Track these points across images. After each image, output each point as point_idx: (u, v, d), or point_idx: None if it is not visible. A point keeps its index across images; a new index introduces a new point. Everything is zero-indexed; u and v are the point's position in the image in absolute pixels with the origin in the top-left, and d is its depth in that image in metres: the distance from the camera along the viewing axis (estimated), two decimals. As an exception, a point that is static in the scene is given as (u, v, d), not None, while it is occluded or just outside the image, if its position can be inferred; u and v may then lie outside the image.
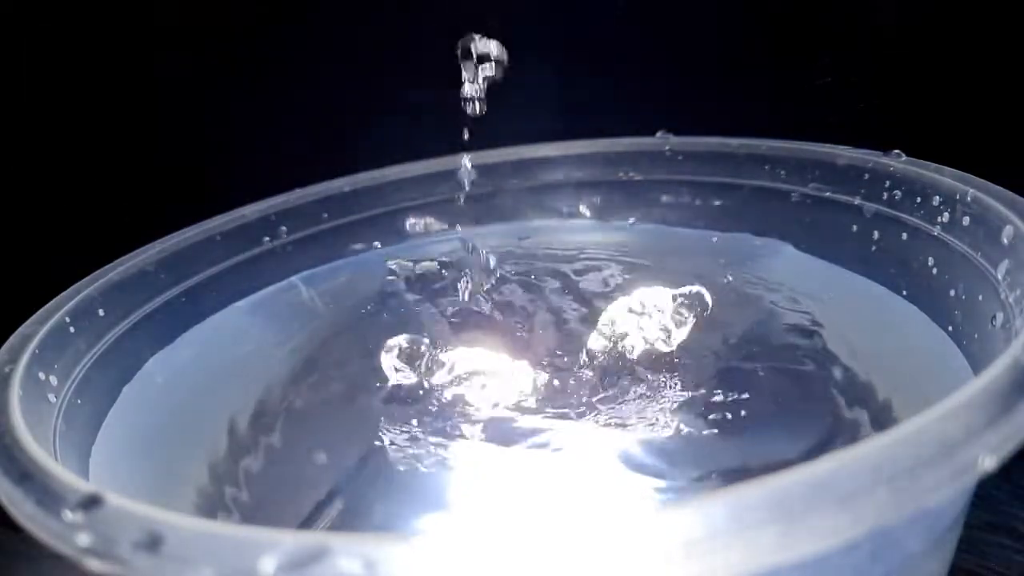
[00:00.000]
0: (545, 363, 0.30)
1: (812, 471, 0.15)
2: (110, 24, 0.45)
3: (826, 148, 0.33)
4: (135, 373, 0.29)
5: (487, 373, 0.29)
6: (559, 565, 0.14)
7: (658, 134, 0.37)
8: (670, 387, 0.29)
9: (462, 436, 0.27)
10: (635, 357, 0.29)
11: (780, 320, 0.31)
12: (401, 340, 0.29)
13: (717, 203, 0.36)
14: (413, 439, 0.27)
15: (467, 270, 0.35)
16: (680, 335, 0.29)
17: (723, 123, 0.36)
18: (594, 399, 0.28)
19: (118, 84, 0.46)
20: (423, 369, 0.29)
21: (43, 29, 0.45)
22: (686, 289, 0.30)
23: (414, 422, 0.28)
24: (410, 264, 0.36)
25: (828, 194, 0.32)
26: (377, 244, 0.38)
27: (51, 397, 0.25)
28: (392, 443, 0.27)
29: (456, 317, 0.34)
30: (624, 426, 0.27)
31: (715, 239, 0.36)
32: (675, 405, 0.28)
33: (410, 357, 0.29)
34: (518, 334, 0.32)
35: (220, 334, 0.32)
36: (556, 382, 0.29)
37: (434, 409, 0.28)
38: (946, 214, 0.27)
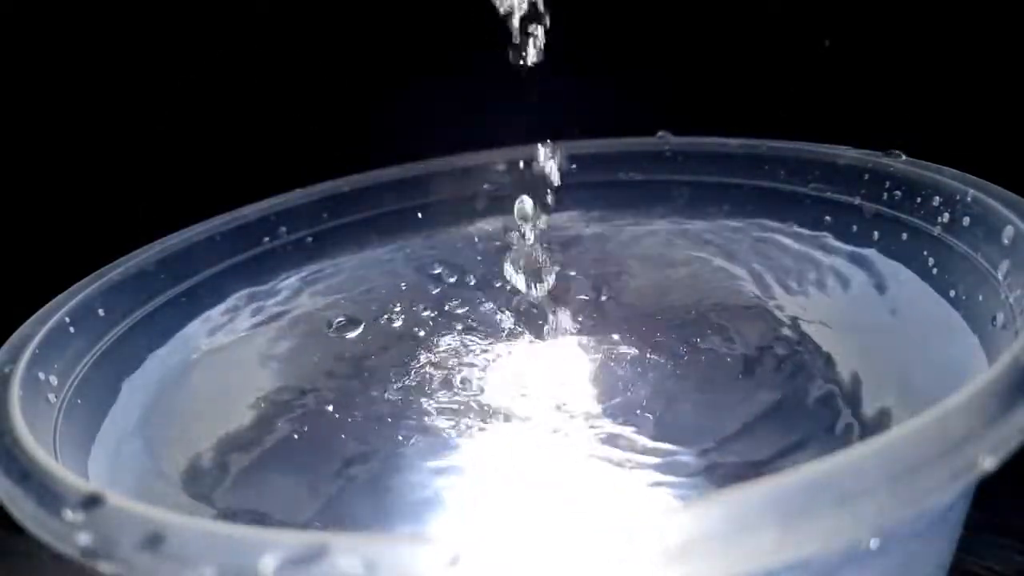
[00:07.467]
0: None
1: (812, 471, 0.15)
2: (109, 23, 0.45)
3: (826, 148, 0.33)
4: (135, 373, 0.29)
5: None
6: (558, 566, 0.14)
7: (658, 134, 0.37)
8: (667, 382, 0.29)
9: (464, 433, 0.27)
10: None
11: (779, 318, 0.31)
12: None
13: (717, 203, 0.36)
14: (416, 435, 0.27)
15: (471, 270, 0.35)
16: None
17: (723, 123, 0.36)
18: (603, 393, 0.28)
19: (118, 83, 0.46)
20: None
21: (42, 28, 0.45)
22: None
23: (417, 418, 0.28)
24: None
25: (828, 194, 0.32)
26: (378, 244, 0.38)
27: (51, 397, 0.25)
28: (395, 440, 0.27)
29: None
30: (628, 423, 0.27)
31: (714, 237, 0.36)
32: (672, 403, 0.28)
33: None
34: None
35: (221, 334, 0.32)
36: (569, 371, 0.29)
37: (436, 403, 0.28)
38: (946, 214, 0.27)
